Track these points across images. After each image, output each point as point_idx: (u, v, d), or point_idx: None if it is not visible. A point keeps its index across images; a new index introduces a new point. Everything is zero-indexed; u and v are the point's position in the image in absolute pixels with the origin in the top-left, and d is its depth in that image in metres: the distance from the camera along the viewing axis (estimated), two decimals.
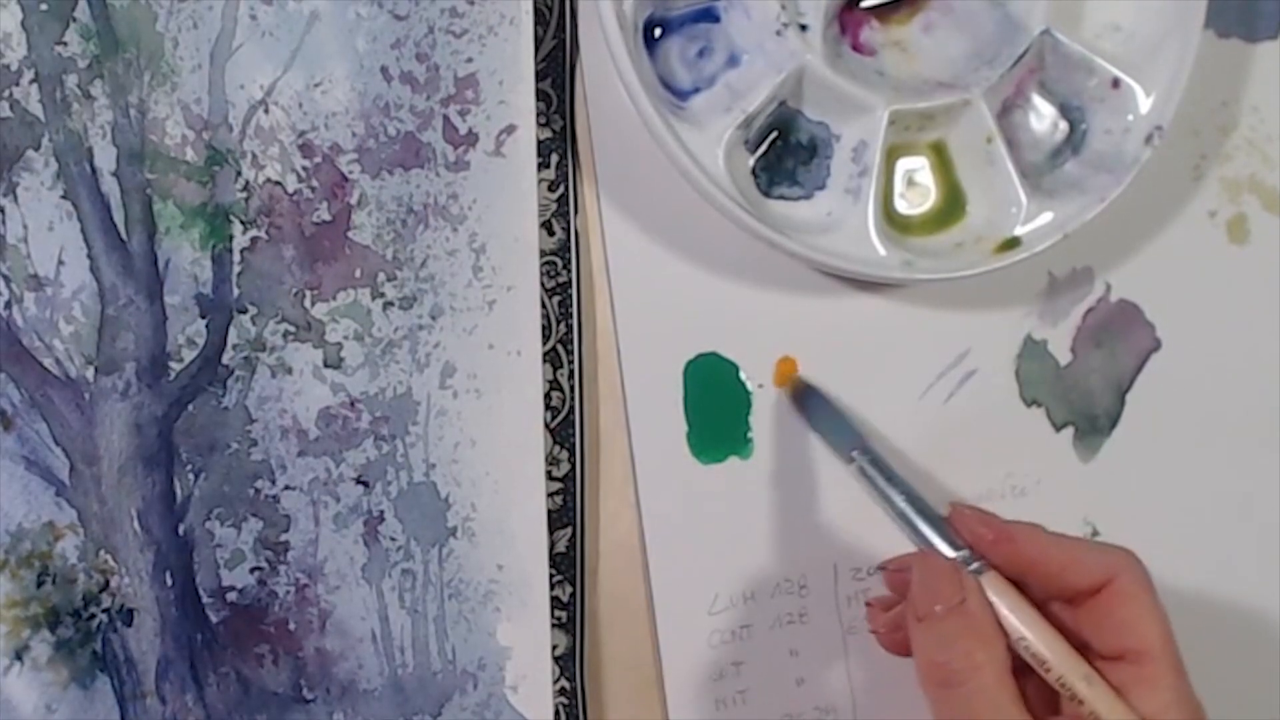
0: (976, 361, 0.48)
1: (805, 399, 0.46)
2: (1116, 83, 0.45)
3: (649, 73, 0.43)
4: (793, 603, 0.47)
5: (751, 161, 0.45)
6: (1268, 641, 0.50)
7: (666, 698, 0.46)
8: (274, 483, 0.43)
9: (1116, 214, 0.44)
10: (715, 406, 0.46)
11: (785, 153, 0.45)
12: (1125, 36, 0.45)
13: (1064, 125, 0.46)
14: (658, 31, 0.44)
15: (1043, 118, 0.46)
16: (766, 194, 0.45)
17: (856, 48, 0.46)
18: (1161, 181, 0.48)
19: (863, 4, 0.45)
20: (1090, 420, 0.49)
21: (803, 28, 0.43)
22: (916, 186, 0.46)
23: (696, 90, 0.44)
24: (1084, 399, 0.49)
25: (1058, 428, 0.49)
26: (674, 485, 0.46)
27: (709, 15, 0.44)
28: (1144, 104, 0.44)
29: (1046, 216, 0.44)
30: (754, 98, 0.43)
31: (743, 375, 0.46)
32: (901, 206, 0.46)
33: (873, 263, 0.44)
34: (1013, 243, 0.44)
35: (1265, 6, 0.49)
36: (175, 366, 0.42)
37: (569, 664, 0.45)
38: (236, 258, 0.42)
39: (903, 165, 0.46)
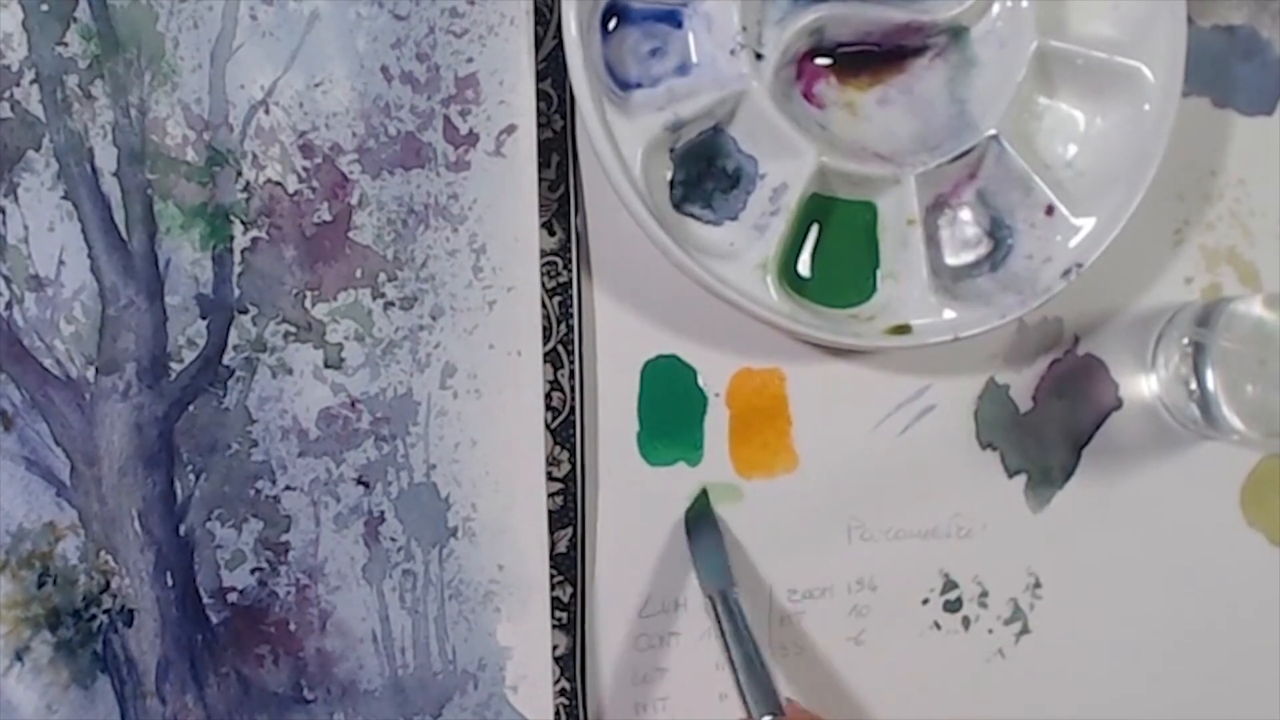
0: (936, 397, 0.48)
1: (697, 527, 0.46)
2: (1051, 210, 0.44)
3: (597, 51, 0.43)
4: None
5: (670, 173, 0.44)
6: (1203, 702, 0.50)
7: (586, 695, 0.46)
8: (274, 483, 0.43)
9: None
10: (669, 409, 0.46)
11: (708, 175, 0.45)
12: (1075, 174, 0.45)
13: (988, 244, 0.46)
14: (614, 22, 0.43)
15: (971, 230, 0.46)
16: (677, 207, 0.45)
17: (808, 96, 0.45)
18: (1141, 242, 0.47)
19: (815, 60, 0.45)
20: (1044, 471, 0.48)
21: (758, 56, 0.43)
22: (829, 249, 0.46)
23: (639, 85, 0.44)
24: (1040, 448, 0.48)
25: (1011, 474, 0.48)
26: (622, 483, 0.46)
27: (672, 18, 0.44)
28: (1073, 239, 0.44)
29: (947, 314, 0.44)
30: (690, 105, 0.43)
31: (701, 382, 0.46)
32: (803, 269, 0.45)
33: (762, 304, 0.43)
34: (904, 329, 0.44)
35: (1264, 81, 0.49)
36: (176, 367, 0.42)
37: (569, 664, 0.45)
38: (237, 258, 0.42)
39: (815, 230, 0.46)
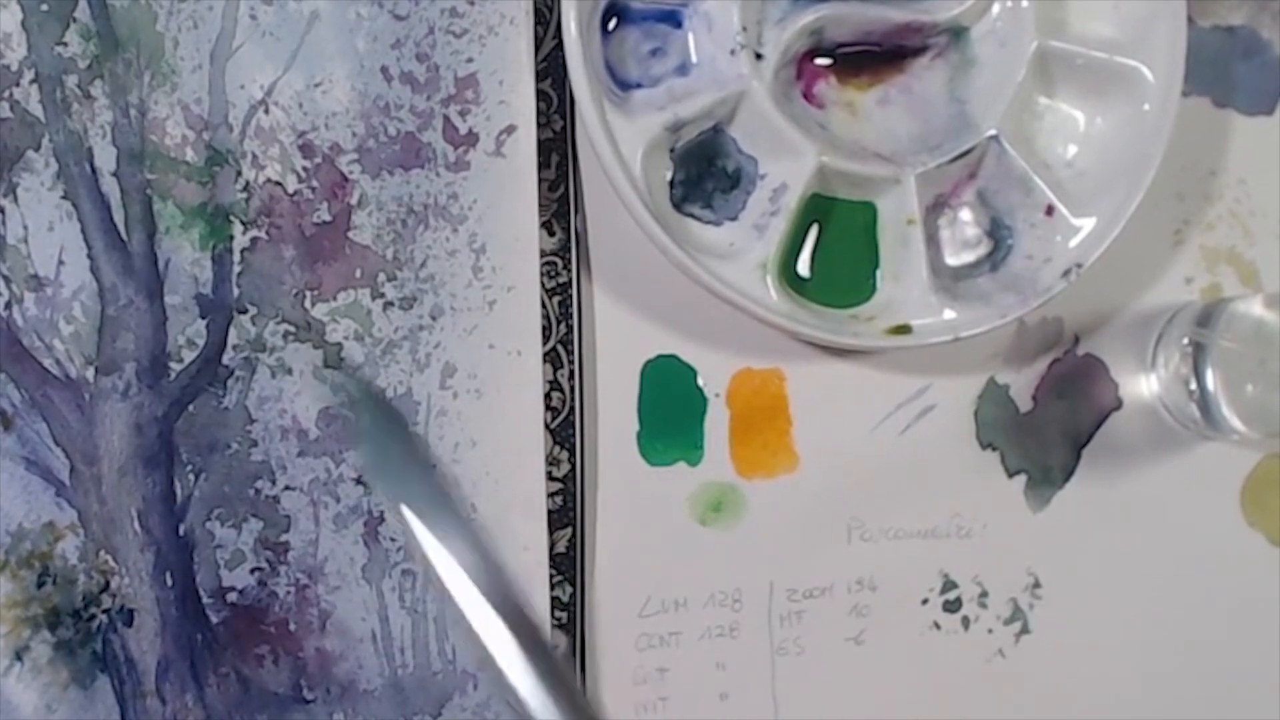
0: (936, 397, 0.48)
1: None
2: (1051, 210, 0.44)
3: (597, 51, 0.43)
4: (725, 615, 0.47)
5: (670, 173, 0.44)
6: (1203, 703, 0.49)
7: (586, 695, 0.46)
8: (274, 483, 0.43)
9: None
10: (669, 409, 0.46)
11: (708, 175, 0.45)
12: (1075, 174, 0.45)
13: (988, 244, 0.46)
14: (614, 22, 0.43)
15: (971, 230, 0.46)
16: (678, 207, 0.45)
17: (808, 96, 0.45)
18: (1141, 242, 0.47)
19: (815, 60, 0.45)
20: (1044, 471, 0.48)
21: (758, 56, 0.43)
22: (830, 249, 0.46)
23: (639, 85, 0.44)
24: (1040, 448, 0.48)
25: (1010, 474, 0.48)
26: (622, 483, 0.46)
27: (672, 18, 0.44)
28: (1073, 239, 0.44)
29: (947, 314, 0.44)
30: (690, 105, 0.43)
31: (700, 381, 0.46)
32: (803, 269, 0.45)
33: (762, 304, 0.43)
34: (904, 329, 0.44)
35: (1264, 81, 0.49)
36: (175, 367, 0.42)
37: (569, 664, 0.45)
38: (236, 258, 0.42)
39: (814, 231, 0.45)
